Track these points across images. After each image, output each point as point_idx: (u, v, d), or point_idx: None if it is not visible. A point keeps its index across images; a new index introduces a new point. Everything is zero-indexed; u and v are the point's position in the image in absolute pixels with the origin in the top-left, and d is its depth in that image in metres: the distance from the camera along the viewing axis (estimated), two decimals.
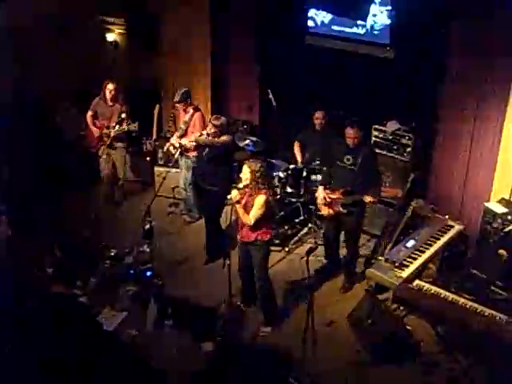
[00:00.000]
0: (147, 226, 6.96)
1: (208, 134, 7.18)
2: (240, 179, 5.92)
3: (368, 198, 6.29)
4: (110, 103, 8.25)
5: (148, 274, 6.98)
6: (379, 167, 6.93)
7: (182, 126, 7.85)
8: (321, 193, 6.67)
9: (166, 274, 7.16)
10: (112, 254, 7.39)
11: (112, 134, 8.28)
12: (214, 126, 6.91)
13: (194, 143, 7.41)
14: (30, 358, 4.63)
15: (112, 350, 5.05)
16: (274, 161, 8.35)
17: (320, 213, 6.91)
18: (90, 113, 8.37)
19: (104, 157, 8.46)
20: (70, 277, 4.74)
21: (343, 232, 6.83)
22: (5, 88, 9.35)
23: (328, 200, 6.56)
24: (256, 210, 5.79)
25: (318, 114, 7.75)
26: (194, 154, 7.66)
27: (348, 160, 6.42)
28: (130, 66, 10.85)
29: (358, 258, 7.06)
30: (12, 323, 5.45)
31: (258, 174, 5.76)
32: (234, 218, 6.23)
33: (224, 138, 7.04)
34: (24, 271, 6.88)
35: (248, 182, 5.79)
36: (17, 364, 4.81)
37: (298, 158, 8.16)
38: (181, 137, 7.82)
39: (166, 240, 7.92)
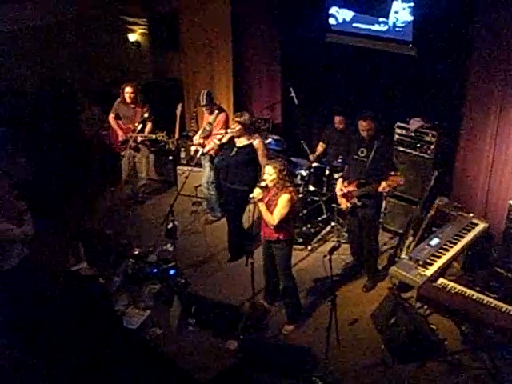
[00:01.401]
0: (170, 225, 7.00)
1: (223, 134, 7.20)
2: (262, 178, 5.91)
3: (381, 187, 6.27)
4: (132, 105, 8.30)
5: (171, 272, 7.03)
6: (398, 165, 6.95)
7: (207, 127, 7.85)
8: (338, 185, 6.74)
9: (189, 273, 7.21)
10: (135, 252, 7.45)
11: (139, 140, 8.34)
12: (238, 122, 6.87)
13: (218, 144, 7.41)
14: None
15: (130, 342, 5.12)
16: (295, 159, 8.34)
17: (339, 206, 6.91)
18: (111, 115, 8.44)
19: (127, 157, 8.52)
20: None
21: (358, 226, 6.81)
22: (29, 88, 9.49)
23: (344, 191, 6.60)
24: (280, 209, 5.79)
25: (337, 119, 7.76)
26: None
27: (362, 152, 6.50)
28: (151, 65, 10.92)
29: (378, 255, 7.03)
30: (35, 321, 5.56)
31: (283, 174, 5.77)
32: (256, 216, 6.21)
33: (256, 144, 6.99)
34: (48, 269, 6.98)
35: (273, 181, 5.79)
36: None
37: (312, 156, 8.18)
38: (205, 137, 7.84)
39: (188, 239, 7.97)
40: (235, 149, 7.00)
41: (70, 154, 9.34)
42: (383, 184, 6.24)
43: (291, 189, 5.86)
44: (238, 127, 6.86)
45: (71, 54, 9.97)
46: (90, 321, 4.54)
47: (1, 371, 5.59)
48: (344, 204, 6.70)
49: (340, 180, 6.80)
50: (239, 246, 7.36)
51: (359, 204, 6.51)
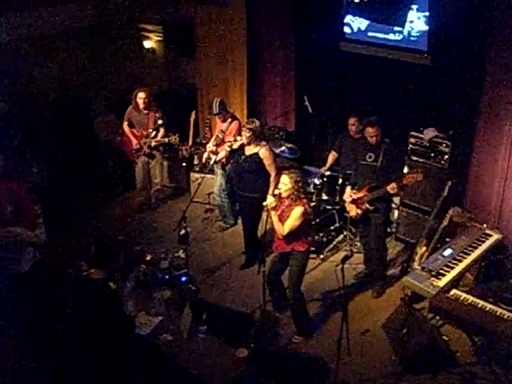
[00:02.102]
0: (182, 232, 7.01)
1: (233, 141, 7.21)
2: (276, 187, 5.90)
3: (390, 187, 6.28)
4: (144, 111, 8.32)
5: (183, 279, 7.04)
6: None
7: (220, 135, 7.88)
8: (347, 193, 6.74)
9: (200, 280, 7.21)
10: (148, 258, 7.46)
11: (152, 144, 8.38)
12: (249, 129, 6.89)
13: (228, 150, 7.42)
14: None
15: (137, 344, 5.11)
16: (309, 167, 8.34)
17: (349, 214, 6.90)
18: (125, 123, 8.47)
19: (140, 163, 8.55)
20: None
21: (370, 232, 6.79)
22: (45, 94, 9.57)
23: (354, 198, 6.61)
24: (292, 221, 5.77)
25: (351, 120, 7.74)
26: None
27: (370, 157, 6.53)
28: (166, 72, 10.98)
29: (386, 259, 7.02)
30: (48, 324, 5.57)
31: (299, 185, 5.77)
32: (269, 225, 6.20)
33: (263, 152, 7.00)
34: (60, 274, 7.02)
35: (288, 192, 5.78)
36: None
37: (323, 168, 8.17)
38: (218, 145, 7.86)
39: (201, 245, 7.98)
40: (243, 157, 7.04)
41: (85, 159, 9.40)
42: (392, 184, 6.26)
43: (305, 201, 5.84)
44: (248, 134, 6.88)
45: (87, 61, 10.05)
46: (101, 325, 4.54)
47: (11, 374, 5.62)
48: (354, 211, 6.70)
49: (348, 187, 6.81)
50: (252, 254, 7.36)
51: (371, 208, 6.51)
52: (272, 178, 6.96)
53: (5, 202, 5.70)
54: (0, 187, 5.83)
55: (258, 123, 6.97)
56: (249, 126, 6.90)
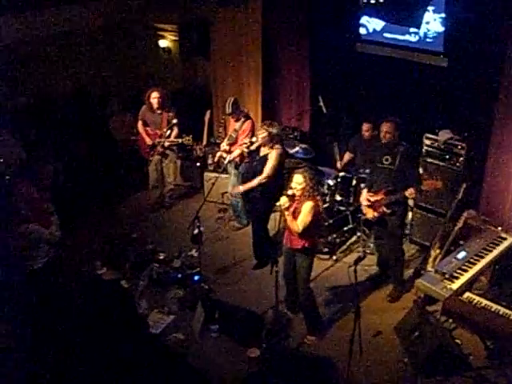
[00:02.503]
0: (195, 231, 7.02)
1: (251, 143, 7.21)
2: (289, 186, 5.90)
3: (409, 192, 6.27)
4: (158, 111, 8.35)
5: (196, 278, 7.05)
6: (426, 176, 6.91)
7: (233, 135, 7.90)
8: (364, 195, 6.70)
9: (213, 279, 7.23)
10: (161, 257, 7.49)
11: (166, 145, 8.40)
12: (266, 130, 6.90)
13: (246, 151, 7.43)
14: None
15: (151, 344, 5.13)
16: (323, 168, 8.32)
17: (365, 217, 6.88)
18: (139, 122, 8.51)
19: (154, 162, 8.58)
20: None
21: (386, 235, 6.76)
22: (61, 93, 9.63)
23: (371, 201, 6.57)
24: (303, 217, 5.79)
25: (365, 126, 7.74)
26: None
27: (387, 160, 6.49)
28: (181, 71, 11.01)
29: (403, 264, 6.97)
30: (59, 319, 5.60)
31: (312, 183, 5.78)
32: (282, 225, 6.20)
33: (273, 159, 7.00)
34: (73, 271, 7.06)
35: (301, 191, 5.78)
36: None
37: (339, 163, 8.18)
38: (231, 144, 7.87)
39: (214, 245, 7.99)
40: (257, 157, 7.05)
41: (99, 158, 9.44)
42: (410, 190, 6.24)
43: (317, 198, 5.85)
44: (264, 135, 6.89)
45: (103, 60, 10.10)
46: (113, 324, 4.56)
47: (21, 372, 5.65)
48: (371, 214, 6.67)
49: (365, 190, 6.77)
50: (264, 254, 7.36)
51: (388, 212, 6.48)
52: (261, 177, 6.98)
53: (19, 200, 5.76)
54: (15, 186, 5.89)
55: (276, 127, 7.00)
56: (266, 127, 6.93)
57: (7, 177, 6.63)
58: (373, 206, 6.61)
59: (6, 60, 8.37)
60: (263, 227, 7.33)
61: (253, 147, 7.29)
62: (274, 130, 6.94)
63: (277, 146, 7.00)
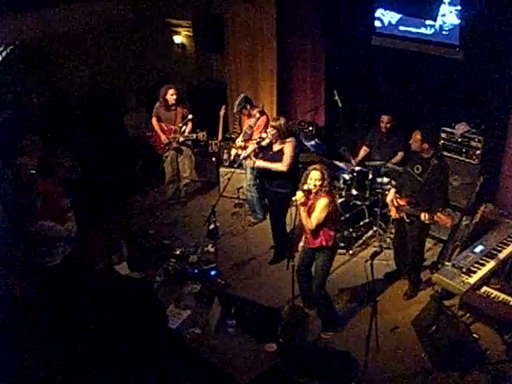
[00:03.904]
0: (211, 226, 7.04)
1: (262, 138, 7.21)
2: (305, 181, 5.88)
3: (423, 216, 6.12)
4: (173, 107, 8.38)
5: (212, 273, 7.08)
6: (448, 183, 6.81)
7: (248, 131, 7.91)
8: (390, 195, 6.62)
9: (229, 274, 7.24)
10: (177, 252, 7.52)
11: (181, 140, 8.43)
12: (273, 127, 6.92)
13: (257, 147, 7.43)
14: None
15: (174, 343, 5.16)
16: (338, 162, 8.30)
17: (390, 213, 6.83)
18: (154, 118, 8.54)
19: (169, 158, 8.61)
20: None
21: (409, 237, 6.72)
22: (76, 89, 9.69)
23: (395, 204, 6.51)
24: (318, 213, 5.78)
25: (385, 118, 7.70)
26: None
27: (418, 169, 6.35)
28: (196, 67, 11.02)
29: (422, 266, 6.92)
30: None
31: (328, 179, 5.78)
32: (298, 220, 6.19)
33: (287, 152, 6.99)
34: (91, 266, 7.11)
35: (318, 186, 5.76)
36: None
37: (355, 158, 8.18)
38: (246, 141, 7.88)
39: (230, 240, 8.00)
40: (271, 153, 7.05)
41: (116, 154, 9.49)
42: (426, 215, 6.07)
43: (333, 194, 5.84)
44: (273, 131, 6.92)
45: (118, 56, 10.14)
46: (137, 319, 4.60)
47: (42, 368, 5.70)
48: (394, 213, 6.62)
49: (393, 190, 6.64)
50: (281, 249, 7.36)
51: (408, 221, 6.42)
52: (276, 165, 6.95)
53: (35, 197, 5.81)
54: (33, 183, 5.94)
55: (282, 121, 7.00)
56: (273, 124, 6.96)
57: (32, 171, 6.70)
58: (396, 208, 6.57)
59: (23, 58, 8.46)
60: (283, 221, 7.31)
61: (264, 143, 7.29)
62: (282, 123, 6.95)
63: (289, 139, 7.00)
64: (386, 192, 6.99)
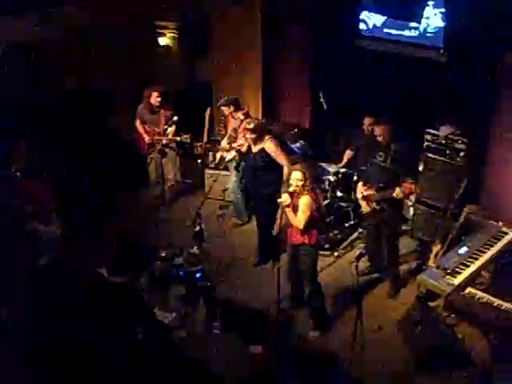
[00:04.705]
0: (197, 228, 7.03)
1: (241, 145, 7.24)
2: (288, 183, 5.89)
3: (395, 193, 6.28)
4: (157, 110, 8.38)
5: (198, 275, 7.04)
6: (427, 172, 6.95)
7: (233, 133, 7.91)
8: (359, 188, 6.76)
9: (215, 276, 7.22)
10: (162, 254, 7.48)
11: (164, 142, 8.42)
12: (250, 130, 6.95)
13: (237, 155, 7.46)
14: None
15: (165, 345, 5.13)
16: (324, 164, 8.32)
17: (361, 209, 6.91)
18: (138, 121, 8.51)
19: (154, 160, 8.58)
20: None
21: (384, 232, 6.79)
22: (63, 91, 9.62)
23: (363, 195, 6.65)
24: (302, 212, 5.81)
25: (367, 120, 7.73)
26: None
27: (380, 156, 6.55)
28: (181, 69, 10.98)
29: (398, 261, 6.99)
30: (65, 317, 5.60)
31: (311, 178, 5.79)
32: (284, 221, 6.20)
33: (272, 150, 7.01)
34: (76, 269, 7.05)
35: (300, 187, 5.78)
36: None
37: (340, 164, 8.17)
38: (231, 143, 7.88)
39: (215, 242, 7.98)
40: (251, 156, 7.09)
41: (102, 156, 9.43)
42: (397, 190, 6.25)
43: (314, 192, 5.90)
44: (252, 136, 6.97)
45: (103, 58, 10.07)
46: (125, 321, 4.57)
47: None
48: (365, 207, 6.72)
49: (360, 183, 6.82)
50: (267, 251, 7.36)
51: (378, 208, 6.51)
52: (285, 168, 6.91)
53: (24, 199, 5.77)
54: (20, 185, 5.89)
55: (256, 121, 7.10)
56: (248, 127, 7.00)
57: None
58: (366, 200, 6.65)
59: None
60: (269, 224, 7.31)
61: (243, 149, 7.33)
62: (255, 124, 7.01)
63: (265, 137, 7.02)
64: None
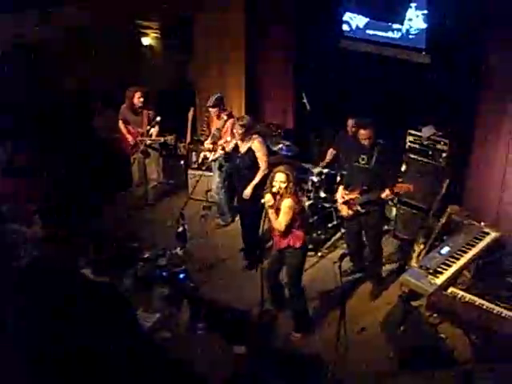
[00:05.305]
0: (180, 229, 7.01)
1: (227, 142, 7.24)
2: (271, 184, 5.88)
3: (385, 194, 6.32)
4: (139, 110, 8.35)
5: (181, 276, 7.02)
6: (410, 172, 7.01)
7: (216, 133, 7.89)
8: (339, 193, 6.75)
9: (198, 277, 7.21)
10: (145, 255, 7.45)
11: (148, 143, 8.38)
12: (241, 126, 6.93)
13: (223, 153, 7.45)
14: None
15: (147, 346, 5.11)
16: (307, 165, 8.34)
17: (339, 214, 6.93)
18: (120, 121, 8.47)
19: (137, 161, 8.54)
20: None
21: (368, 233, 6.81)
22: (41, 90, 9.53)
23: (345, 199, 6.63)
24: (283, 215, 5.80)
25: (350, 122, 7.75)
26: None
27: (363, 160, 6.52)
28: (164, 69, 10.95)
29: (381, 261, 7.01)
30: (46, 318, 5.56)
31: (294, 180, 5.79)
32: (268, 222, 6.20)
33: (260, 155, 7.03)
34: (58, 270, 7.00)
35: (283, 189, 5.77)
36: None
37: (323, 161, 8.21)
38: (214, 143, 7.87)
39: (198, 243, 7.96)
40: (239, 155, 7.10)
41: (83, 157, 9.37)
42: (386, 191, 6.27)
43: (297, 195, 5.89)
44: (241, 130, 6.94)
45: (84, 58, 10.01)
46: (107, 322, 4.54)
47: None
48: (345, 211, 6.71)
49: (341, 187, 6.81)
50: (252, 251, 7.34)
51: (363, 211, 6.52)
52: (261, 171, 6.97)
53: (1, 199, 5.73)
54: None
55: (248, 118, 7.08)
56: (240, 123, 6.97)
57: None
58: (348, 204, 6.64)
59: None
60: (254, 225, 7.29)
61: (228, 148, 7.32)
62: (248, 120, 7.02)
63: (254, 136, 7.02)
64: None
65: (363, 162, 6.51)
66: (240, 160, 7.09)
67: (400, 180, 6.41)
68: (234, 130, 7.09)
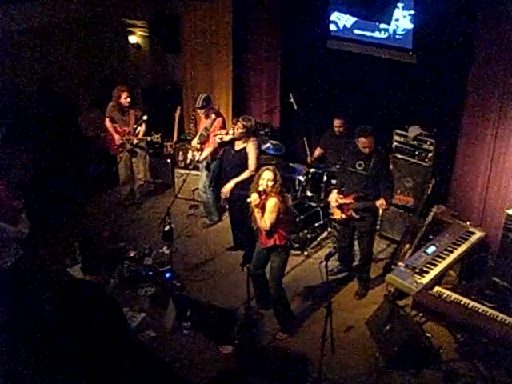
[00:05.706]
0: (166, 228, 6.99)
1: (226, 133, 7.20)
2: (258, 182, 5.87)
3: (379, 203, 6.30)
4: (126, 110, 8.31)
5: (167, 275, 7.01)
6: (396, 172, 7.00)
7: (204, 133, 7.86)
8: (333, 196, 6.71)
9: (184, 276, 7.19)
10: (131, 255, 7.43)
11: (134, 142, 8.34)
12: (244, 126, 6.91)
13: (219, 142, 7.43)
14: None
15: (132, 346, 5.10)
16: (294, 164, 8.34)
17: (332, 217, 6.92)
18: (107, 119, 8.43)
19: (124, 159, 8.50)
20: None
21: (360, 237, 6.81)
22: (29, 89, 9.48)
23: (339, 203, 6.60)
24: (268, 214, 5.79)
25: (337, 122, 7.75)
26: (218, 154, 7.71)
27: (360, 165, 6.45)
28: (151, 67, 10.92)
29: (370, 264, 6.99)
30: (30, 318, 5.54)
31: (281, 179, 5.78)
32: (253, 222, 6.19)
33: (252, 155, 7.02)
34: (43, 269, 6.97)
35: (270, 187, 5.77)
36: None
37: (309, 158, 8.25)
38: (202, 143, 7.85)
39: (185, 242, 7.96)
40: (233, 151, 7.06)
41: (69, 155, 9.34)
42: (381, 200, 6.26)
43: (283, 195, 5.87)
44: (241, 130, 6.90)
45: (71, 56, 9.97)
46: (97, 326, 4.53)
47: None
48: (338, 215, 6.68)
49: (335, 191, 6.76)
50: (250, 249, 7.31)
51: (357, 217, 6.50)
52: (248, 171, 6.96)
53: None
54: None
55: (253, 122, 7.05)
56: (244, 123, 6.93)
57: None
58: (341, 207, 6.63)
59: None
60: (245, 223, 7.26)
61: (226, 139, 7.28)
62: (252, 124, 7.00)
63: (252, 138, 7.01)
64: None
65: (360, 168, 6.43)
66: (232, 157, 7.07)
67: (400, 193, 6.38)
68: (235, 127, 7.06)
